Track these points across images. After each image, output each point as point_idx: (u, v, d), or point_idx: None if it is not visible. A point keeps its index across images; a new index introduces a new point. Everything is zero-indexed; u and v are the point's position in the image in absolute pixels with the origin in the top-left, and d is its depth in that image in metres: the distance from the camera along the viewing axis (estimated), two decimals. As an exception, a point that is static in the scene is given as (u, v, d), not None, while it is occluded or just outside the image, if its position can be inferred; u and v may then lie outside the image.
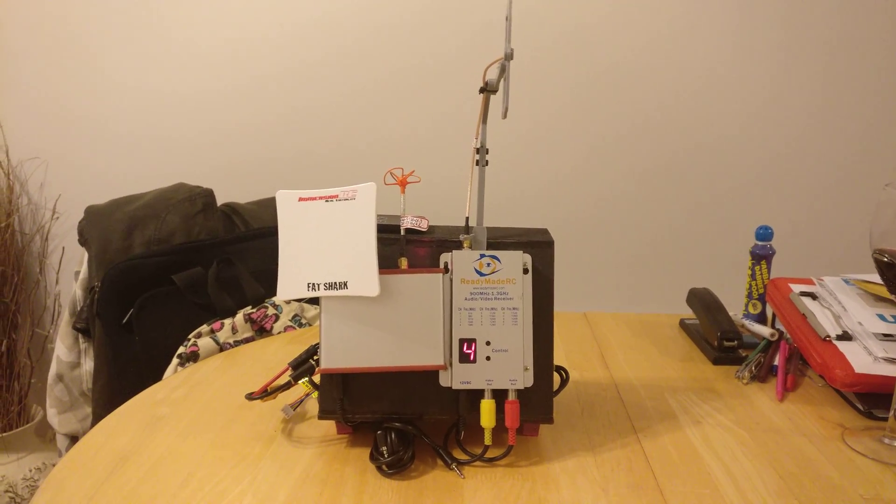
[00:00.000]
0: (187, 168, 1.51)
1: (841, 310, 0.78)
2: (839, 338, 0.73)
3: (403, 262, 0.59)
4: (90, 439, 0.63)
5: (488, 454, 0.58)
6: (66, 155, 1.52)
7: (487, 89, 0.57)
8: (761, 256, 0.91)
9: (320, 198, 0.58)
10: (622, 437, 0.64)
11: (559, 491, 0.55)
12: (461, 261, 0.59)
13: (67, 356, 1.13)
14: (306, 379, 0.64)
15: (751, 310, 0.93)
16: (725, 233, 1.46)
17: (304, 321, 1.02)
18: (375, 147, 1.47)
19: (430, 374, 0.58)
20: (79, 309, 1.12)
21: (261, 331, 1.00)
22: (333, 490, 0.54)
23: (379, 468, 0.57)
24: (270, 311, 1.01)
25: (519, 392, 0.58)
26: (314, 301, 1.04)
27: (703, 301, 0.90)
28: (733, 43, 1.38)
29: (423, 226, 0.61)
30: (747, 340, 0.86)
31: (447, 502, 0.53)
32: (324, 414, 0.60)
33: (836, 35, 1.36)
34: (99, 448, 0.61)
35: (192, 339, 0.95)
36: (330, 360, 0.58)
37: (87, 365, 1.13)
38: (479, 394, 0.58)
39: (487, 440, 0.58)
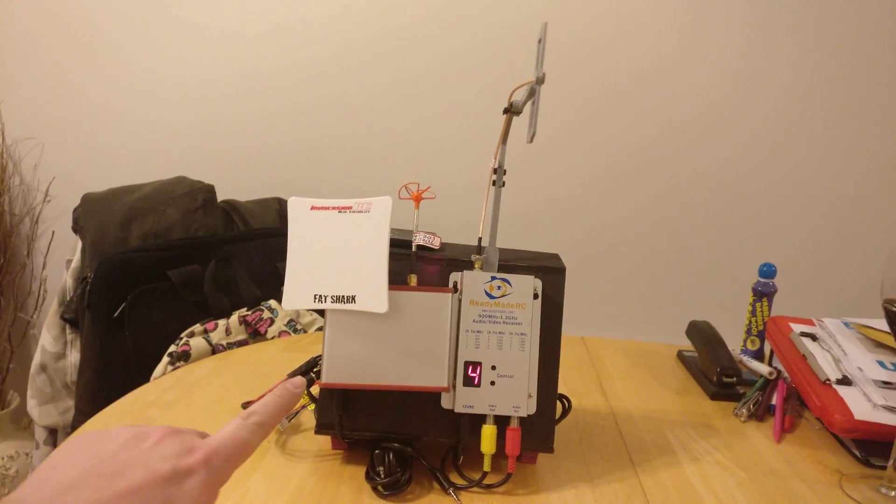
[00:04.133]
0: (188, 161, 1.49)
1: (841, 353, 0.78)
2: (839, 382, 0.73)
3: (413, 279, 0.58)
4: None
5: (486, 481, 0.57)
6: (63, 138, 1.50)
7: (511, 110, 0.56)
8: (763, 293, 0.91)
9: (333, 208, 0.57)
10: (620, 469, 0.63)
11: (557, 523, 0.54)
12: (471, 282, 0.58)
13: (53, 346, 1.10)
14: (304, 391, 0.62)
15: (749, 346, 0.93)
16: (728, 267, 1.46)
17: (299, 327, 1.01)
18: (385, 152, 1.46)
19: (432, 396, 0.57)
20: (68, 299, 1.10)
21: (255, 334, 0.99)
22: (327, 509, 0.53)
23: (375, 489, 0.56)
24: (266, 314, 1.00)
25: (521, 419, 0.57)
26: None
27: (703, 334, 0.90)
28: (743, 76, 1.39)
29: (435, 243, 0.61)
30: (745, 377, 0.86)
31: (444, 529, 0.51)
32: (320, 428, 0.58)
33: (852, 71, 1.37)
34: (86, 449, 0.59)
35: (185, 338, 0.93)
36: (331, 374, 0.56)
37: (73, 357, 1.10)
38: (480, 418, 0.57)
39: (486, 466, 0.57)
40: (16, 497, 0.30)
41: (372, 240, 0.56)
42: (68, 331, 1.11)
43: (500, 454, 0.57)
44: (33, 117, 1.49)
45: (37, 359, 1.11)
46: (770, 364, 0.90)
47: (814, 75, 1.38)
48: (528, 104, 0.56)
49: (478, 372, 0.57)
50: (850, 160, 1.41)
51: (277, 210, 1.26)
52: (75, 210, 1.14)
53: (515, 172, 1.43)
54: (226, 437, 0.38)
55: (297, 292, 0.56)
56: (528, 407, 0.57)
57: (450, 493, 0.56)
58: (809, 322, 0.87)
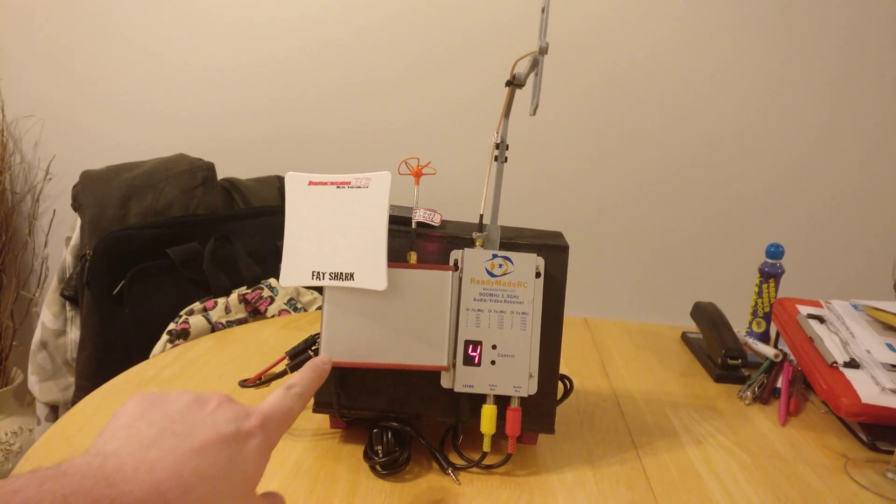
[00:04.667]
0: (189, 139, 1.47)
1: (849, 336, 0.77)
2: (846, 365, 0.72)
3: (412, 257, 0.57)
4: (73, 416, 0.60)
5: (486, 461, 0.56)
6: (64, 115, 1.48)
7: (514, 83, 0.55)
8: (770, 275, 0.90)
9: (331, 183, 0.56)
10: (622, 451, 0.62)
11: (557, 504, 0.53)
12: (472, 260, 0.56)
13: (53, 323, 1.10)
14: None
15: (755, 328, 0.92)
16: (734, 248, 1.44)
17: (299, 305, 1.00)
18: (386, 131, 1.44)
19: (432, 375, 0.56)
20: (68, 276, 1.09)
21: (254, 312, 0.98)
22: (325, 487, 0.52)
23: (373, 468, 0.55)
24: (266, 292, 0.99)
25: (521, 399, 0.57)
26: (313, 286, 1.01)
27: (708, 316, 0.88)
28: (751, 56, 1.36)
29: (436, 220, 0.59)
30: (750, 359, 0.84)
31: (442, 509, 0.51)
32: (319, 407, 0.58)
33: (859, 46, 1.34)
34: (82, 426, 0.59)
35: (184, 316, 0.93)
36: (330, 352, 0.55)
37: (73, 334, 1.10)
38: (480, 398, 0.56)
39: (486, 447, 0.56)
40: (105, 451, 0.32)
41: (371, 216, 0.54)
42: (68, 308, 1.10)
43: (500, 435, 0.57)
44: (33, 94, 1.48)
45: (37, 336, 1.11)
46: (776, 346, 0.89)
47: (818, 52, 1.35)
48: (531, 76, 0.54)
49: (478, 351, 0.56)
50: (859, 138, 1.39)
51: (278, 188, 1.25)
52: (74, 187, 1.13)
53: (519, 150, 1.41)
54: (274, 405, 0.40)
55: (295, 268, 0.55)
56: (529, 387, 0.56)
57: (448, 474, 0.55)
58: (817, 304, 0.85)
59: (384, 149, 1.45)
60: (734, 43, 1.36)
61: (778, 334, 0.90)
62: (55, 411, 1.15)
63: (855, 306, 0.83)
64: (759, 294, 0.91)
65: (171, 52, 1.43)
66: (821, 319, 0.81)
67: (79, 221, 1.11)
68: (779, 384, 0.78)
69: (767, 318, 0.90)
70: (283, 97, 1.44)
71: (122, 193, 1.06)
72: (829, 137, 1.39)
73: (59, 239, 1.53)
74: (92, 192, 1.07)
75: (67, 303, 1.11)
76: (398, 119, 1.44)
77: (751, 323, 0.92)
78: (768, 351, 0.84)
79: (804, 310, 0.84)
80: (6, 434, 1.39)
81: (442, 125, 1.43)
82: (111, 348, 0.98)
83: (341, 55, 1.41)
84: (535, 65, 0.52)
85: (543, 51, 0.51)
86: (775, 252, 0.89)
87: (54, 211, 1.53)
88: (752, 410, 0.74)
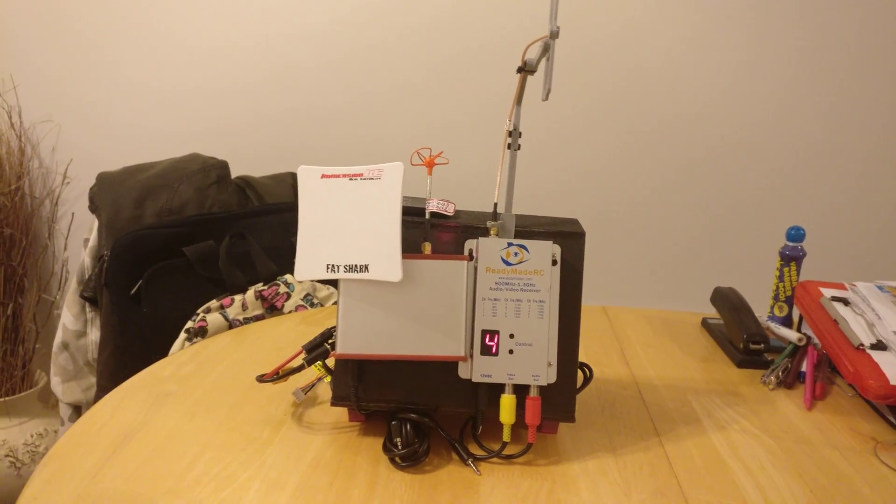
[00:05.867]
0: (202, 138, 1.48)
1: (875, 317, 0.75)
2: (873, 347, 0.70)
3: (427, 248, 0.57)
4: (94, 414, 0.61)
5: (506, 451, 0.56)
6: (79, 120, 1.50)
7: (525, 69, 0.54)
8: (791, 258, 0.88)
9: (344, 175, 0.55)
10: (644, 439, 0.61)
11: (579, 493, 0.52)
12: (487, 248, 0.56)
13: (73, 325, 1.11)
14: (319, 363, 0.61)
15: (777, 312, 0.90)
16: (752, 232, 1.42)
17: (315, 301, 1.00)
18: (399, 126, 1.44)
19: (449, 365, 0.56)
20: (87, 277, 1.10)
21: (271, 308, 0.98)
22: (344, 480, 0.52)
23: (392, 460, 0.55)
24: (282, 288, 0.99)
25: (541, 388, 0.56)
26: (327, 280, 1.01)
27: (728, 301, 0.87)
28: (768, 42, 1.34)
29: (450, 210, 0.59)
30: (773, 344, 0.83)
31: (463, 500, 0.50)
32: (336, 400, 0.57)
33: (872, 30, 1.31)
34: (103, 424, 0.59)
35: (201, 314, 0.93)
36: (346, 345, 0.55)
37: (93, 334, 1.11)
38: (499, 388, 0.56)
39: (506, 437, 0.55)
40: None
41: (384, 207, 0.54)
42: (88, 309, 1.11)
43: (519, 424, 0.56)
44: (49, 100, 1.49)
45: (58, 337, 1.12)
46: (799, 330, 0.87)
47: (836, 33, 1.32)
48: (543, 61, 0.53)
49: (495, 340, 0.55)
50: (878, 118, 1.35)
51: (291, 185, 1.25)
52: (91, 189, 1.14)
53: (535, 140, 1.40)
54: None
55: (310, 262, 0.55)
56: (548, 376, 0.55)
57: (469, 464, 0.55)
58: (841, 286, 0.84)
59: (396, 141, 1.45)
60: (752, 32, 1.33)
61: (801, 318, 0.88)
62: (78, 412, 1.16)
63: (880, 287, 0.81)
64: (781, 278, 0.89)
65: (184, 54, 1.44)
66: (845, 302, 0.80)
67: (96, 223, 1.12)
68: (803, 368, 0.76)
69: (789, 301, 0.89)
70: (294, 96, 1.44)
71: (137, 194, 1.07)
72: (848, 117, 1.36)
73: (77, 241, 1.55)
74: (108, 193, 1.08)
75: (87, 304, 1.12)
76: (410, 111, 1.43)
77: (772, 307, 0.90)
78: (791, 335, 0.82)
79: (828, 292, 0.82)
80: (31, 436, 1.42)
81: (454, 115, 1.42)
82: (131, 347, 0.98)
83: (352, 48, 1.41)
84: (547, 50, 0.51)
85: (554, 35, 0.50)
86: (796, 235, 0.87)
87: (73, 214, 1.55)
88: (777, 395, 0.72)
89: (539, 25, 1.34)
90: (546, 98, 0.52)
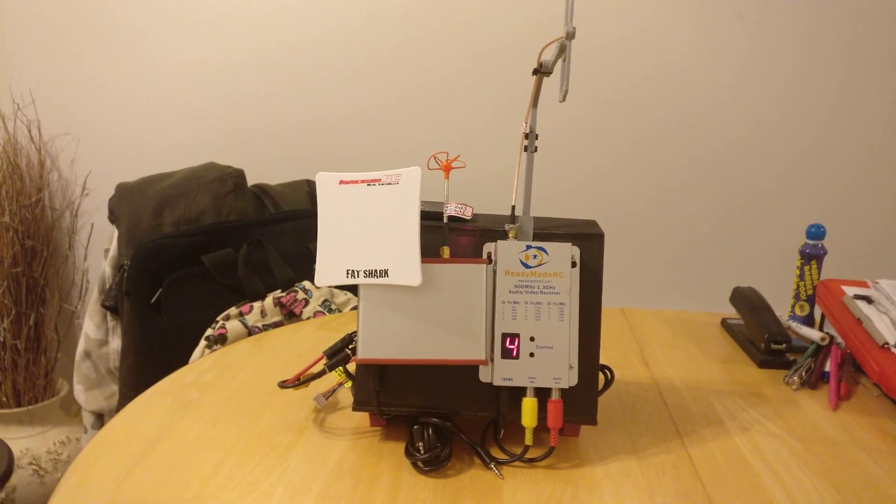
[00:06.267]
0: (218, 148, 1.49)
1: (899, 316, 0.74)
2: (898, 346, 0.69)
3: (445, 251, 0.57)
4: (119, 422, 0.62)
5: (528, 455, 0.56)
6: (97, 131, 1.52)
7: (542, 71, 0.54)
8: (812, 256, 0.87)
9: (362, 181, 0.56)
10: (666, 441, 0.61)
11: (602, 496, 0.52)
12: (506, 251, 0.56)
13: (95, 333, 1.13)
14: (340, 368, 0.62)
15: (798, 311, 0.89)
16: (772, 230, 1.40)
17: (333, 307, 1.00)
18: (415, 131, 1.44)
19: (470, 369, 0.56)
20: (108, 287, 1.12)
21: (290, 315, 0.99)
22: (368, 485, 0.52)
23: (415, 464, 0.55)
24: (300, 295, 0.99)
25: (562, 391, 0.56)
26: (346, 286, 1.02)
27: (748, 300, 0.86)
28: (781, 38, 1.33)
29: (468, 214, 0.59)
30: (795, 344, 0.82)
31: (486, 503, 0.50)
32: (358, 405, 0.58)
33: (887, 24, 1.30)
34: (128, 431, 0.60)
35: (221, 322, 0.94)
36: (367, 350, 0.55)
37: (115, 343, 1.12)
38: (520, 391, 0.56)
39: (528, 440, 0.55)
40: None
41: (402, 212, 0.54)
42: (109, 318, 1.13)
43: (541, 427, 0.56)
44: (68, 113, 1.51)
45: (81, 346, 1.14)
46: (821, 329, 0.86)
47: (849, 27, 1.31)
48: (559, 62, 0.53)
49: (516, 344, 0.55)
50: (894, 112, 1.34)
51: (307, 192, 1.26)
52: (110, 200, 1.15)
53: (551, 142, 1.40)
54: None
55: (330, 268, 0.55)
56: (570, 378, 0.55)
57: (491, 468, 0.55)
58: (863, 284, 0.83)
59: (412, 146, 1.45)
60: (763, 27, 1.32)
61: (823, 317, 0.87)
62: (101, 419, 1.18)
63: (904, 285, 0.80)
64: (801, 277, 0.88)
65: (200, 65, 1.45)
66: (868, 300, 0.79)
67: (116, 233, 1.13)
68: (827, 368, 0.75)
69: (811, 300, 0.88)
70: (309, 104, 1.45)
71: (155, 204, 1.08)
72: (864, 113, 1.34)
73: (98, 252, 1.57)
74: (127, 203, 1.10)
75: (108, 313, 1.13)
76: (426, 116, 1.43)
77: (793, 306, 0.89)
78: (814, 334, 0.81)
79: (850, 290, 0.81)
80: (54, 444, 1.43)
81: (471, 119, 1.42)
82: (152, 355, 0.99)
83: (365, 56, 1.42)
84: (563, 51, 0.51)
85: (570, 35, 0.50)
86: (816, 233, 0.86)
87: (92, 225, 1.57)
88: (801, 396, 0.71)
89: (553, 27, 1.34)
90: (563, 99, 0.52)
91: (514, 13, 1.36)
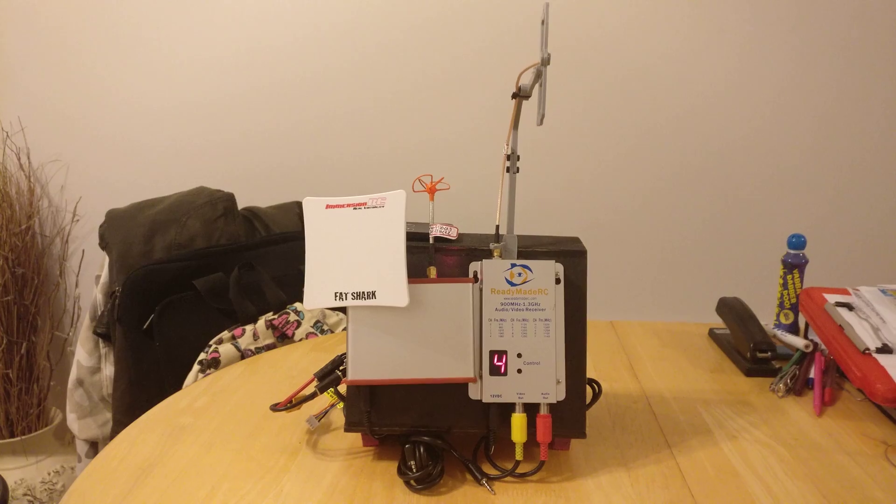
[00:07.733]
0: (208, 172, 1.50)
1: (879, 321, 0.76)
2: (879, 351, 0.71)
3: (432, 272, 0.58)
4: (113, 449, 0.62)
5: (519, 469, 0.57)
6: (86, 158, 1.53)
7: (520, 95, 0.56)
8: (794, 265, 0.89)
9: (348, 205, 0.57)
10: (656, 451, 0.62)
11: (593, 509, 0.53)
12: (491, 270, 0.57)
13: (87, 361, 1.13)
14: (331, 390, 0.62)
15: (782, 320, 0.91)
16: (754, 241, 1.42)
17: (325, 328, 1.01)
18: (400, 152, 1.46)
19: (459, 387, 0.57)
20: (99, 314, 1.12)
21: (282, 337, 0.99)
22: (361, 505, 0.53)
23: (407, 483, 0.55)
24: (292, 317, 1.00)
25: (551, 406, 0.57)
26: (336, 307, 1.02)
27: (734, 310, 0.88)
28: (762, 47, 1.36)
29: (453, 234, 0.60)
30: (780, 351, 0.84)
31: (478, 520, 0.51)
32: (350, 426, 0.58)
33: (867, 33, 1.33)
34: (122, 459, 0.60)
35: (213, 346, 0.94)
36: (357, 371, 0.56)
37: (108, 370, 1.12)
38: (509, 407, 0.57)
39: (519, 455, 0.56)
40: None
41: (388, 234, 0.55)
42: (101, 345, 1.13)
43: (532, 442, 0.57)
44: (57, 139, 1.52)
45: (73, 374, 1.13)
46: (805, 337, 0.88)
47: (831, 37, 1.34)
48: (536, 87, 0.55)
49: (504, 360, 0.56)
50: (874, 122, 1.37)
51: (297, 214, 1.27)
52: (101, 227, 1.16)
53: (531, 158, 1.42)
54: None
55: (318, 291, 0.56)
56: (557, 393, 0.56)
57: (483, 484, 0.56)
58: (844, 291, 0.84)
59: (399, 168, 1.47)
60: (745, 36, 1.35)
61: (807, 325, 0.89)
62: (95, 447, 1.17)
63: (884, 291, 0.82)
64: (785, 285, 0.90)
65: (183, 90, 1.47)
66: (849, 307, 0.80)
67: (107, 260, 1.14)
68: (811, 375, 0.77)
69: (795, 309, 0.89)
70: (295, 124, 1.47)
71: (146, 230, 1.09)
72: (845, 122, 1.37)
73: (89, 278, 1.57)
74: (117, 230, 1.10)
75: (100, 340, 1.13)
76: (411, 137, 1.45)
77: (778, 315, 0.91)
78: (798, 342, 0.83)
79: (832, 298, 0.83)
80: (48, 473, 1.42)
81: (453, 141, 1.44)
82: (145, 381, 1.00)
83: (350, 80, 1.44)
84: (539, 76, 0.53)
85: (545, 62, 0.52)
86: (797, 242, 0.88)
87: (83, 251, 1.57)
88: (786, 402, 0.73)
89: (535, 48, 1.36)
90: (541, 123, 0.54)
91: (493, 32, 1.38)
